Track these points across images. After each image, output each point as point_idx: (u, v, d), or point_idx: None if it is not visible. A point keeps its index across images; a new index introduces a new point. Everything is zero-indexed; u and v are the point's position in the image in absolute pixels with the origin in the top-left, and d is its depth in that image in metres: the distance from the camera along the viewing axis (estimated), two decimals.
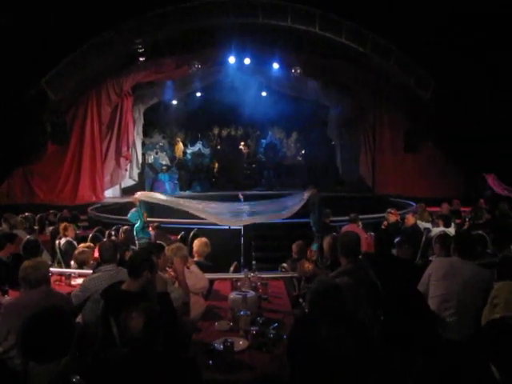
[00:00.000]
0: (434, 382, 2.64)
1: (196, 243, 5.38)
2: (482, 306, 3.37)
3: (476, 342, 3.03)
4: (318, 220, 7.78)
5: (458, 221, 8.64)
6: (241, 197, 9.32)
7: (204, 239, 5.48)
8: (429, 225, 8.17)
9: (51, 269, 5.54)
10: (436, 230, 7.24)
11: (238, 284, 4.17)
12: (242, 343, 3.06)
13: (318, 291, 2.37)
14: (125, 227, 7.46)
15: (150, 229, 7.99)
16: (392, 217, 8.14)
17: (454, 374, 2.66)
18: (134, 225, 7.95)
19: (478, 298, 3.43)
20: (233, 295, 3.69)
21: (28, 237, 6.26)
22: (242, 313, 3.25)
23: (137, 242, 7.63)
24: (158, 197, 8.72)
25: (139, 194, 8.26)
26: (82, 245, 5.94)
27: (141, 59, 14.01)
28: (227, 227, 8.51)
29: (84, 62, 13.41)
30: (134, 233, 7.82)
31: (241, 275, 4.48)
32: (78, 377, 2.18)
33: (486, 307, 3.17)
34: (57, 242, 7.25)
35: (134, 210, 8.12)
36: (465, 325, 3.44)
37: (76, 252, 5.59)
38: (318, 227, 7.67)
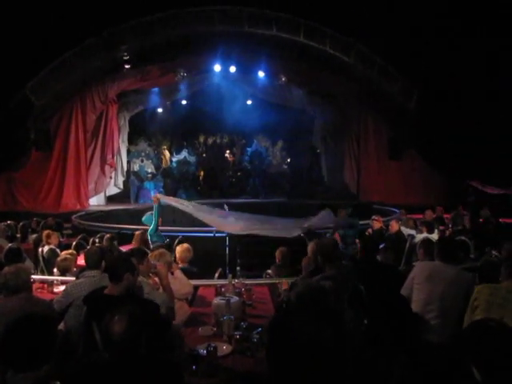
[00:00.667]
0: (415, 383, 2.66)
1: (178, 249, 5.37)
2: (463, 308, 3.41)
3: (458, 344, 3.07)
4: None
5: (441, 227, 8.74)
6: (226, 207, 9.28)
7: (186, 245, 5.47)
8: (413, 231, 8.24)
9: (34, 276, 5.48)
10: (420, 237, 7.30)
11: (222, 290, 4.16)
12: (225, 348, 3.05)
13: (304, 290, 2.38)
14: (108, 235, 7.38)
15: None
16: (376, 224, 8.23)
17: (436, 375, 2.68)
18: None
19: (460, 301, 3.47)
20: (216, 300, 3.68)
21: (10, 245, 6.17)
22: (225, 317, 3.24)
23: (151, 245, 7.46)
24: (180, 201, 8.67)
25: (160, 195, 8.24)
26: (64, 252, 5.88)
27: (126, 66, 13.97)
28: (212, 234, 8.50)
29: (68, 69, 13.35)
30: (148, 237, 7.71)
31: (225, 281, 4.47)
32: (59, 382, 2.15)
33: (467, 310, 3.21)
34: (40, 249, 7.15)
35: (149, 213, 8.01)
36: (447, 327, 3.48)
37: (59, 259, 5.54)
38: None
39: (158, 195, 8.21)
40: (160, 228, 8.08)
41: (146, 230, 7.40)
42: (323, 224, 8.04)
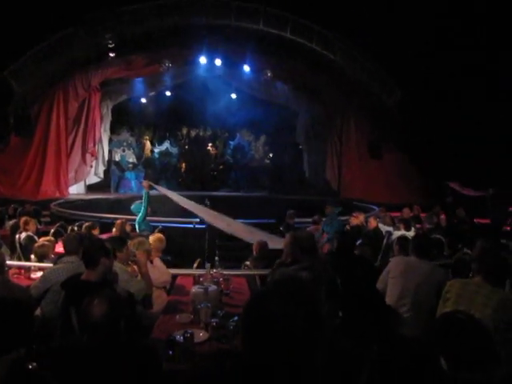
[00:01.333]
0: (387, 374, 2.75)
1: (151, 239, 5.25)
2: (436, 303, 3.51)
3: (428, 336, 3.17)
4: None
5: (417, 225, 8.89)
6: (207, 202, 9.32)
7: (158, 235, 5.40)
8: (390, 228, 8.38)
9: (11, 262, 5.44)
10: (397, 234, 7.43)
11: (201, 279, 4.20)
12: (202, 335, 3.09)
13: (281, 277, 2.43)
14: (87, 223, 7.34)
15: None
16: (354, 220, 8.34)
17: (406, 367, 2.78)
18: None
19: (433, 295, 3.56)
20: (194, 289, 3.72)
21: None
22: (202, 305, 3.28)
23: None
24: (166, 190, 8.72)
25: (151, 182, 8.24)
26: (42, 238, 5.84)
27: (111, 55, 13.83)
28: (192, 226, 8.53)
29: (50, 55, 13.17)
30: (136, 225, 7.70)
31: (203, 271, 4.51)
32: (35, 363, 2.16)
33: (440, 302, 3.31)
34: (17, 236, 7.06)
35: (138, 201, 8.00)
36: (420, 321, 3.57)
37: (36, 245, 5.49)
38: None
39: (149, 182, 8.21)
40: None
41: (127, 220, 7.40)
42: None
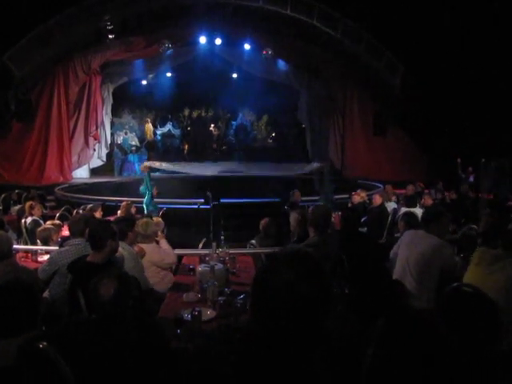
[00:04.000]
0: (394, 348, 2.75)
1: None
2: (439, 276, 3.53)
3: (435, 309, 3.18)
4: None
5: (422, 202, 8.88)
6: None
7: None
8: (395, 205, 8.37)
9: (18, 246, 5.48)
10: (404, 210, 7.41)
11: (207, 258, 4.21)
12: (209, 313, 3.11)
13: (288, 248, 2.44)
14: (90, 205, 7.37)
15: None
16: (356, 197, 8.34)
17: (413, 338, 2.78)
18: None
19: (435, 268, 3.57)
20: (201, 267, 3.73)
21: None
22: (209, 283, 3.30)
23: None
24: (165, 164, 8.72)
25: (149, 163, 8.24)
26: (49, 221, 5.87)
27: (110, 37, 13.70)
28: (196, 206, 8.53)
29: (49, 38, 13.06)
30: (144, 207, 7.73)
31: (209, 251, 4.52)
32: (46, 343, 2.18)
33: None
34: (23, 221, 7.11)
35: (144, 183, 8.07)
36: (423, 292, 3.58)
37: (39, 229, 5.52)
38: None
39: (146, 163, 8.23)
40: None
41: (132, 202, 7.41)
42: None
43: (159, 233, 4.67)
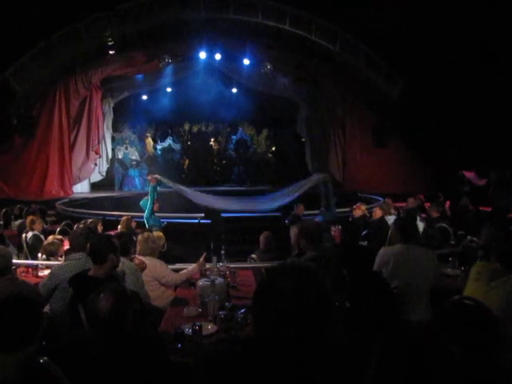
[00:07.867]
0: (395, 361, 2.74)
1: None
2: (430, 288, 3.58)
3: (436, 322, 3.18)
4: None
5: (423, 215, 8.87)
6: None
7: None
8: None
9: (18, 260, 5.48)
10: None
11: (207, 273, 4.21)
12: (210, 327, 3.11)
13: (289, 261, 2.45)
14: (90, 220, 7.36)
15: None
16: (357, 211, 8.33)
17: (414, 352, 2.77)
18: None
19: (430, 279, 3.62)
20: (201, 282, 3.73)
21: None
22: (210, 298, 3.29)
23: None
24: (173, 183, 8.78)
25: (158, 176, 8.24)
26: (52, 236, 5.86)
27: (110, 52, 13.83)
28: (197, 221, 8.55)
29: (50, 54, 13.18)
30: (145, 221, 7.69)
31: (210, 265, 4.51)
32: (46, 358, 2.18)
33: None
34: (23, 235, 7.11)
35: (146, 197, 8.00)
36: (421, 306, 3.59)
37: (45, 242, 5.51)
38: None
39: (157, 175, 8.19)
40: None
41: (132, 217, 7.40)
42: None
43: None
